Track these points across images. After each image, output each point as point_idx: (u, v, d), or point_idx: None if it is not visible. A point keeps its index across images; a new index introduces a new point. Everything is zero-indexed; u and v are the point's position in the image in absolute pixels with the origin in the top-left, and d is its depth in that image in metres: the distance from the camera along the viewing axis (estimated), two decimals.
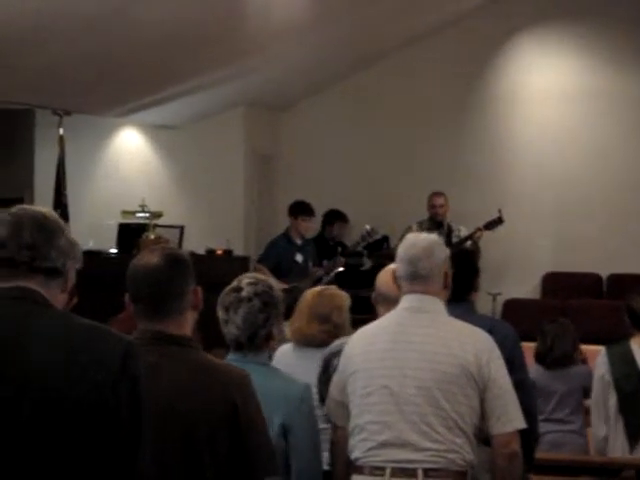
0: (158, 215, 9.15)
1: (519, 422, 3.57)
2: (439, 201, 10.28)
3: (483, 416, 3.55)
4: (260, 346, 3.44)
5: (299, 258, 9.62)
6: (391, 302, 3.86)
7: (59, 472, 2.14)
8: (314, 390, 3.86)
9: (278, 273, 8.96)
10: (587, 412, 6.03)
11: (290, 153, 11.65)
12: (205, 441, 2.73)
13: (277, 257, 9.56)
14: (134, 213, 9.18)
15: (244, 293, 3.43)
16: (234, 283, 3.48)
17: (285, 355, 4.57)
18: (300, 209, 9.78)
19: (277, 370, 3.60)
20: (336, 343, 4.31)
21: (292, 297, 4.78)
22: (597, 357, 5.89)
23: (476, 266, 4.50)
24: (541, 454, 4.94)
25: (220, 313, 3.45)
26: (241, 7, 8.13)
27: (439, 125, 11.18)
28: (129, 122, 11.14)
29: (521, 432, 3.60)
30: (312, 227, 10.14)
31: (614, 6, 10.67)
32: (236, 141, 11.07)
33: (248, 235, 11.08)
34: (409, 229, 9.05)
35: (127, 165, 11.32)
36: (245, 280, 3.48)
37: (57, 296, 2.32)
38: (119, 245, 9.30)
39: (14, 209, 2.35)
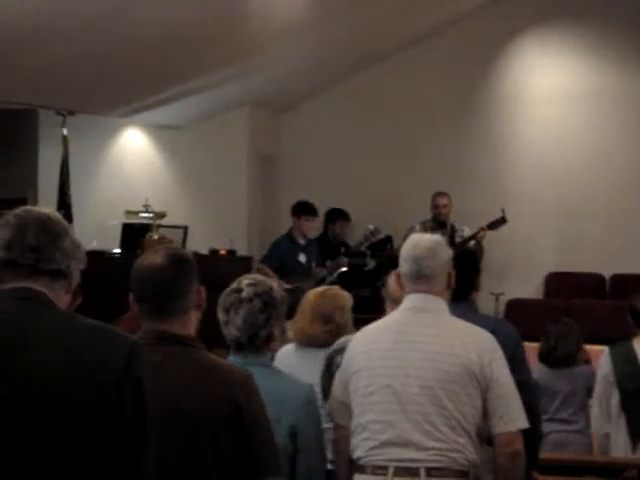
0: (162, 215, 9.15)
1: (521, 422, 3.57)
2: (442, 201, 10.23)
3: (486, 416, 3.56)
4: (261, 347, 3.41)
5: (302, 258, 9.62)
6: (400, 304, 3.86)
7: (61, 472, 2.14)
8: (317, 390, 3.87)
9: (281, 273, 8.96)
10: None
11: (292, 153, 11.65)
12: (209, 441, 2.73)
13: (280, 257, 9.55)
14: (138, 213, 9.19)
15: (244, 294, 3.40)
16: (234, 284, 3.46)
17: (287, 355, 4.56)
18: (303, 209, 9.78)
19: (280, 372, 3.57)
20: (340, 340, 4.32)
21: (295, 297, 4.77)
22: (600, 357, 5.90)
23: (477, 265, 4.52)
24: (545, 454, 4.94)
25: (220, 314, 3.42)
26: (241, 7, 8.13)
27: (441, 125, 11.17)
28: (133, 122, 11.13)
29: (525, 432, 3.61)
30: (315, 227, 10.14)
31: (614, 6, 10.66)
32: (240, 141, 11.06)
33: (251, 235, 11.07)
34: (412, 229, 9.02)
35: (131, 165, 11.31)
36: (245, 281, 3.45)
37: (61, 297, 2.32)
38: (123, 245, 9.29)
39: (18, 210, 2.34)
